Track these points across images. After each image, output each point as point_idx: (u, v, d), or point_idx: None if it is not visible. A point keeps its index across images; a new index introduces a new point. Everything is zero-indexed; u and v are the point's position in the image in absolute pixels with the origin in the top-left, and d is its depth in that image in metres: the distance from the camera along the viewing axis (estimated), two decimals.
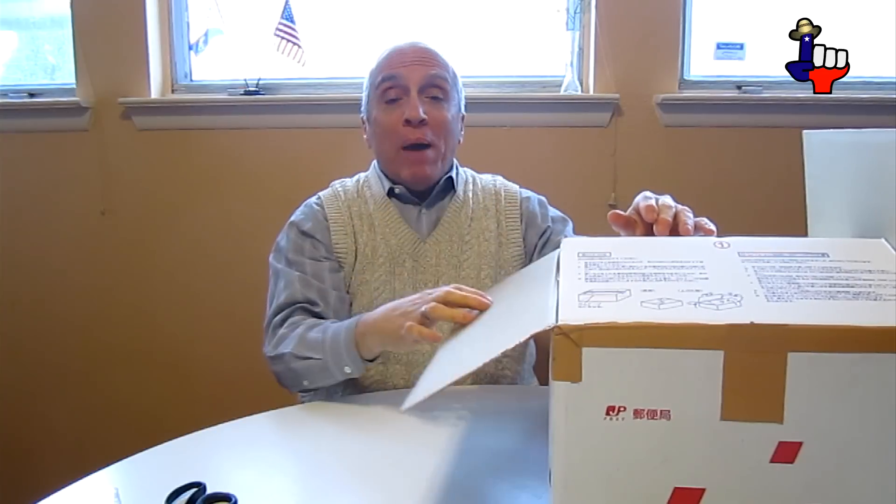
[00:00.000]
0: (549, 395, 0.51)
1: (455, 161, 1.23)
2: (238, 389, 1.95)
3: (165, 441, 0.84)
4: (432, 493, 0.71)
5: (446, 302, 0.82)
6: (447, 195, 1.19)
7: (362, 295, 1.12)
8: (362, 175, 1.24)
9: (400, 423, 0.90)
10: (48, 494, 0.71)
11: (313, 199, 1.22)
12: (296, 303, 1.08)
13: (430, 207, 1.18)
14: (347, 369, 0.97)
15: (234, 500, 0.68)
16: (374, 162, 1.23)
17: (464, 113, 1.24)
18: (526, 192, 1.25)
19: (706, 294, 0.51)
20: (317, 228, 1.15)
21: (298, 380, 1.02)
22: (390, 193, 1.17)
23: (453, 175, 1.20)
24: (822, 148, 0.77)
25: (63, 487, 0.73)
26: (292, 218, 1.19)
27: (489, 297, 0.81)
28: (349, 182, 1.24)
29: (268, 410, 0.95)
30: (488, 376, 1.12)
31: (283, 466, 0.81)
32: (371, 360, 0.99)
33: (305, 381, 1.01)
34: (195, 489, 0.69)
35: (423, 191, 1.18)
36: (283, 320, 1.07)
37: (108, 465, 0.78)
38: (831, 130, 0.74)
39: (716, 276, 0.54)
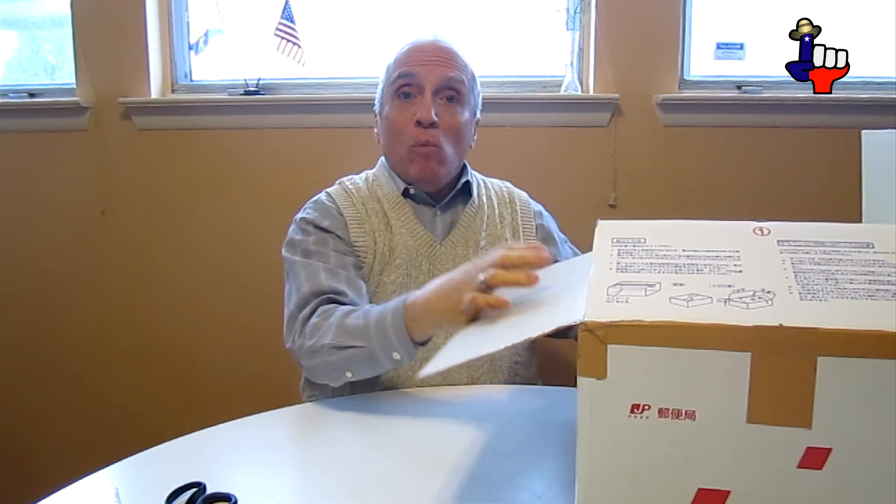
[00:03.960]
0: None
1: (467, 165, 1.21)
2: (238, 389, 1.95)
3: (165, 441, 0.84)
4: (432, 493, 0.71)
5: (503, 266, 0.76)
6: (463, 200, 1.18)
7: (378, 297, 1.09)
8: (370, 172, 1.21)
9: (400, 424, 0.90)
10: (48, 494, 0.71)
11: (321, 195, 1.17)
12: (322, 293, 1.02)
13: (444, 210, 1.16)
14: (396, 355, 0.89)
15: (234, 500, 0.68)
16: (382, 160, 1.21)
17: (479, 117, 1.22)
18: (536, 205, 1.24)
19: (737, 290, 0.49)
20: (336, 225, 1.10)
21: (340, 372, 0.95)
22: (405, 194, 1.15)
23: (470, 179, 1.18)
24: (881, 148, 0.75)
25: (63, 487, 0.73)
26: (303, 215, 1.13)
27: (546, 250, 0.75)
28: (358, 179, 1.20)
29: (268, 410, 0.95)
30: (507, 368, 1.12)
31: (283, 466, 0.81)
32: (423, 344, 0.90)
33: (349, 373, 0.95)
34: (195, 489, 0.69)
35: (438, 193, 1.16)
36: (312, 311, 1.00)
37: (108, 465, 0.78)
38: (890, 130, 0.73)
39: (750, 269, 0.52)
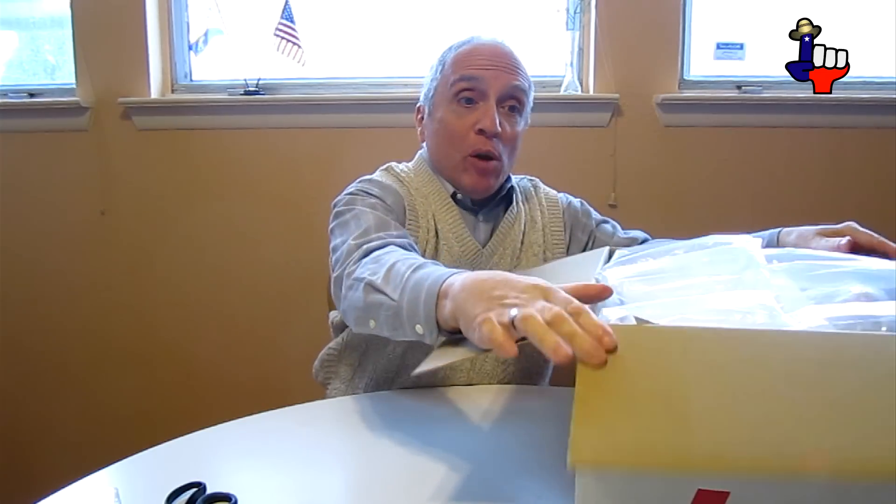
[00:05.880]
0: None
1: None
2: (238, 389, 1.95)
3: (165, 441, 0.84)
4: (433, 493, 0.71)
5: (553, 322, 0.55)
6: (504, 206, 1.15)
7: None
8: (408, 165, 1.16)
9: (401, 424, 0.90)
10: (48, 494, 0.71)
11: (375, 175, 1.11)
12: (388, 230, 0.96)
13: (486, 216, 1.13)
14: (419, 329, 0.75)
15: (234, 500, 0.68)
16: (425, 159, 1.15)
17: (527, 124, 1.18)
18: (567, 197, 1.22)
19: None
20: (397, 204, 1.05)
21: (367, 316, 0.83)
22: (452, 198, 1.10)
23: (515, 185, 1.16)
24: None
25: (63, 487, 0.73)
26: (360, 186, 1.06)
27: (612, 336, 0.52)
28: (406, 168, 1.15)
29: (268, 410, 0.95)
30: (523, 370, 1.12)
31: (283, 466, 0.81)
32: (450, 332, 0.72)
33: (372, 322, 0.82)
34: (195, 489, 0.69)
35: (483, 199, 1.12)
36: (379, 247, 0.90)
37: (108, 465, 0.78)
38: None
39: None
